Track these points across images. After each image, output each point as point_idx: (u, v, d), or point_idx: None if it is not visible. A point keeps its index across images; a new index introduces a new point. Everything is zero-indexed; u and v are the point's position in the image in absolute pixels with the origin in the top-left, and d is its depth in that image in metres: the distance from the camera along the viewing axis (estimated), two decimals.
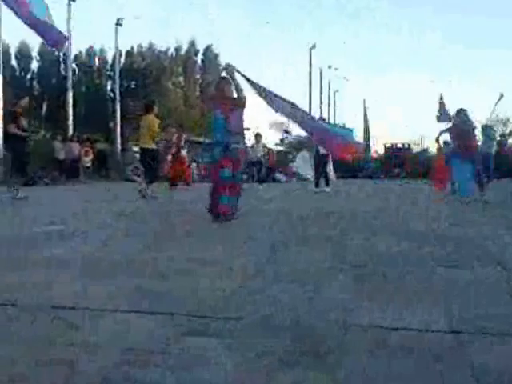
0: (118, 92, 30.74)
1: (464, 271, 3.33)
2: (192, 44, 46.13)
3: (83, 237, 5.03)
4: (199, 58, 46.88)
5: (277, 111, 6.82)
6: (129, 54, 43.12)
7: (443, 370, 1.70)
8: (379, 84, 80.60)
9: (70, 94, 26.62)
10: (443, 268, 3.41)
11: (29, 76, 43.84)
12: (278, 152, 35.52)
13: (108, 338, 2.02)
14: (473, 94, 64.56)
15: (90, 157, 23.33)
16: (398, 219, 6.70)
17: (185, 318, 2.25)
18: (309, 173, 17.70)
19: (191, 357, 1.82)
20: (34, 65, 43.93)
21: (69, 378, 1.65)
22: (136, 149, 26.53)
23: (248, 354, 1.84)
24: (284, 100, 6.82)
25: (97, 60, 42.67)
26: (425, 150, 35.81)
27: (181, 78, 45.99)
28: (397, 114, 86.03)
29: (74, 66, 37.76)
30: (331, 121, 40.57)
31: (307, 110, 6.84)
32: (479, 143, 11.78)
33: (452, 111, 11.52)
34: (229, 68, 6.41)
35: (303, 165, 23.31)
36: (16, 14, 7.74)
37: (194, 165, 23.82)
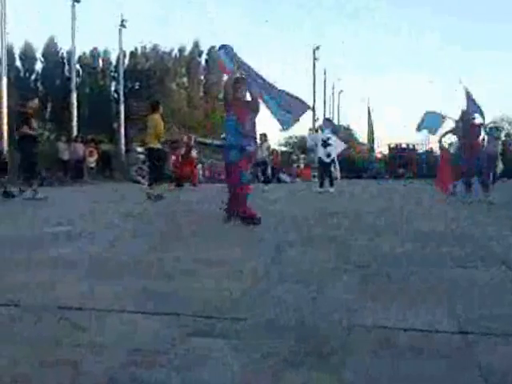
0: (121, 93, 30.80)
1: (468, 271, 3.33)
2: (196, 45, 46.15)
3: (90, 237, 5.06)
4: (203, 58, 46.86)
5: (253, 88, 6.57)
6: (133, 55, 43.19)
7: (450, 370, 1.71)
8: (378, 84, 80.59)
9: (74, 95, 26.68)
10: (447, 268, 3.41)
11: (33, 77, 43.94)
12: (283, 152, 35.52)
13: (114, 339, 2.03)
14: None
15: (95, 157, 23.37)
16: (401, 219, 6.69)
17: (190, 319, 2.26)
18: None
19: (197, 357, 1.83)
20: (38, 66, 44.01)
21: (74, 379, 1.66)
22: (140, 149, 26.59)
23: (253, 354, 1.84)
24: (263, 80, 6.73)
25: (101, 61, 42.70)
26: (429, 151, 35.72)
27: (184, 79, 46.03)
28: (397, 115, 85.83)
29: (77, 67, 37.85)
30: (335, 122, 40.57)
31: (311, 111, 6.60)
32: (484, 143, 11.75)
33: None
34: (238, 60, 6.40)
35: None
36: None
37: (200, 165, 23.83)
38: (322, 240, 4.78)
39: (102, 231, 5.62)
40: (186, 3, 64.81)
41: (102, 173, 24.23)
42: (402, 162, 33.65)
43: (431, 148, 33.35)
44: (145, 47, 44.06)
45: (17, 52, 42.38)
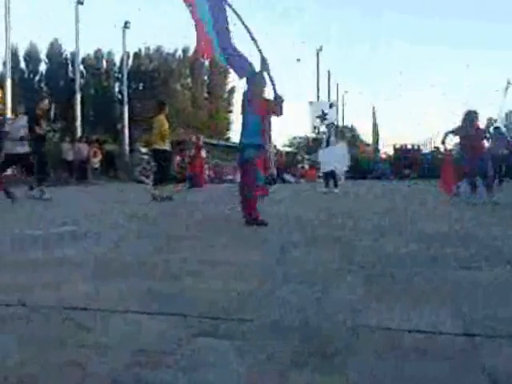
0: (125, 94, 30.87)
1: (473, 272, 3.32)
2: None
3: (95, 238, 5.07)
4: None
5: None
6: (136, 56, 43.30)
7: (454, 372, 1.71)
8: (381, 84, 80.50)
9: (78, 96, 26.75)
10: (452, 269, 3.40)
11: (37, 78, 44.09)
12: (287, 153, 35.52)
13: (119, 340, 2.03)
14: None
15: (99, 158, 23.41)
16: (405, 220, 6.69)
17: (196, 320, 2.26)
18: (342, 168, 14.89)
19: (202, 358, 1.83)
20: (43, 67, 44.18)
21: (79, 380, 1.66)
22: (144, 150, 26.63)
23: (259, 355, 1.84)
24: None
25: (104, 62, 42.77)
26: (434, 151, 35.65)
27: (188, 80, 46.08)
28: (402, 115, 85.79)
29: (81, 68, 37.94)
30: (340, 123, 40.55)
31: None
32: (488, 144, 11.72)
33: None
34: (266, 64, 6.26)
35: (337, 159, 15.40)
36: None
37: (206, 166, 23.86)
38: (326, 240, 4.78)
39: (107, 232, 5.63)
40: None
41: (106, 173, 24.28)
42: (408, 162, 33.57)
43: (436, 148, 33.29)
44: (148, 48, 44.18)
45: (21, 53, 42.57)
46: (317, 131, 33.65)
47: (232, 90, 48.26)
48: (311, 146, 33.97)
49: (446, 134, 11.49)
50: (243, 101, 6.18)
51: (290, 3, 76.84)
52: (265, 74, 6.18)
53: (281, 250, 4.24)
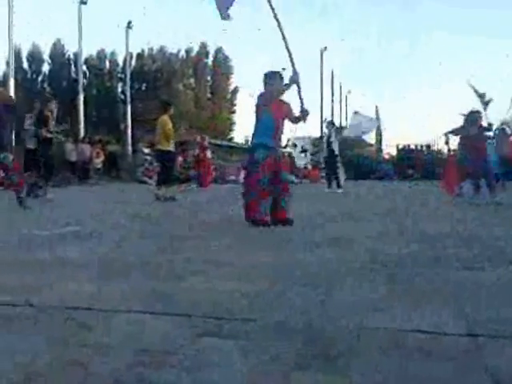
0: (128, 94, 30.91)
1: (476, 272, 3.31)
2: (203, 46, 46.23)
3: (98, 238, 5.09)
4: (210, 59, 46.96)
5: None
6: (139, 56, 43.37)
7: (457, 372, 1.70)
8: (385, 84, 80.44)
9: (81, 97, 26.79)
10: (454, 269, 3.39)
11: (40, 78, 44.18)
12: (290, 153, 35.53)
13: (122, 339, 2.03)
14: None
15: (101, 158, 23.46)
16: (407, 221, 6.66)
17: (200, 320, 2.26)
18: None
19: (206, 358, 1.83)
20: (45, 67, 44.29)
21: (82, 379, 1.66)
22: (147, 150, 26.65)
23: (263, 356, 1.84)
24: None
25: (107, 63, 42.86)
26: (438, 152, 35.63)
27: (191, 80, 46.13)
28: (406, 115, 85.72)
29: (84, 68, 38.01)
30: (343, 123, 40.52)
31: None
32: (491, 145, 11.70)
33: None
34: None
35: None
36: None
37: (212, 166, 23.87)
38: (328, 241, 4.77)
39: (110, 232, 5.64)
40: (191, 4, 65.03)
41: (109, 173, 24.32)
42: (411, 163, 33.57)
43: (440, 149, 33.28)
44: (152, 49, 44.23)
45: (24, 54, 42.66)
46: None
47: (235, 91, 48.34)
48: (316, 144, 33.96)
49: (446, 134, 11.49)
50: (258, 103, 6.10)
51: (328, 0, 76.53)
52: (294, 85, 6.13)
53: (284, 250, 4.24)
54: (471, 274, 3.25)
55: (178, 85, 43.00)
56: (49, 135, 10.87)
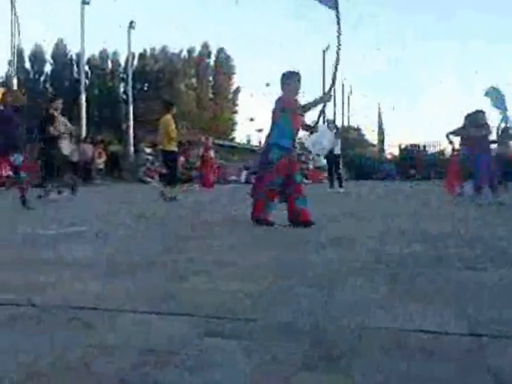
0: (130, 94, 30.89)
1: (478, 272, 3.30)
2: (205, 46, 46.21)
3: (103, 238, 5.10)
4: (212, 59, 46.93)
5: None
6: (141, 56, 43.35)
7: (460, 372, 1.70)
8: (388, 83, 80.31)
9: (83, 97, 26.79)
10: (456, 269, 3.39)
11: (42, 78, 44.23)
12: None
13: (126, 339, 2.04)
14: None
15: (103, 158, 23.46)
16: (409, 221, 6.66)
17: (204, 320, 2.27)
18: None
19: (210, 358, 1.83)
20: (48, 67, 44.32)
21: (87, 379, 1.67)
22: (148, 150, 26.66)
23: (266, 356, 1.85)
24: None
25: (110, 63, 42.85)
26: (440, 152, 35.59)
27: (193, 80, 46.09)
28: (409, 115, 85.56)
29: (86, 68, 38.02)
30: (345, 123, 40.48)
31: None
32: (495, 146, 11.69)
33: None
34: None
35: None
36: None
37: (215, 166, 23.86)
38: (330, 241, 4.77)
39: (114, 232, 5.66)
40: (193, 4, 65.03)
41: (111, 174, 24.33)
42: (413, 163, 33.52)
43: (442, 149, 33.23)
44: (154, 48, 44.20)
45: (26, 54, 42.69)
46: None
47: (237, 91, 48.33)
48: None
49: (447, 135, 11.48)
50: (276, 107, 6.04)
51: (365, 10, 76.61)
52: (321, 104, 6.27)
53: (287, 250, 4.24)
54: (473, 274, 3.25)
55: (179, 85, 42.99)
56: (55, 133, 10.89)
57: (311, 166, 31.26)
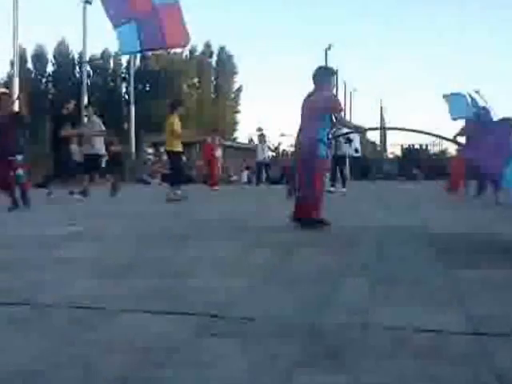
0: (132, 94, 30.87)
1: (481, 271, 3.28)
2: (207, 45, 46.22)
3: (102, 238, 5.09)
4: (214, 59, 46.93)
5: None
6: (143, 56, 43.32)
7: (464, 371, 1.68)
8: (390, 83, 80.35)
9: (85, 97, 26.78)
10: (459, 268, 3.36)
11: (44, 79, 44.31)
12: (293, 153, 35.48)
13: (124, 338, 2.03)
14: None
15: (105, 158, 23.44)
16: (411, 220, 6.63)
17: (201, 318, 2.26)
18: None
19: (207, 356, 1.82)
20: (50, 68, 44.39)
21: (85, 378, 1.66)
22: (150, 150, 26.65)
23: (264, 354, 1.83)
24: None
25: (112, 62, 42.88)
26: (443, 152, 35.57)
27: (195, 80, 46.09)
28: (411, 114, 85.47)
29: (88, 68, 38.06)
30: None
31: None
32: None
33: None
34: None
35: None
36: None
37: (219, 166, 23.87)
38: (331, 241, 4.75)
39: (114, 231, 5.66)
40: (194, 3, 65.09)
41: (113, 174, 24.31)
42: (415, 162, 33.43)
43: (444, 149, 33.20)
44: None
45: (29, 54, 42.77)
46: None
47: (239, 90, 48.37)
48: None
49: (455, 137, 11.43)
50: (327, 106, 5.77)
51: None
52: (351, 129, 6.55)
53: (288, 250, 4.22)
54: (477, 273, 3.22)
55: (181, 85, 43.03)
56: (67, 134, 10.96)
57: None
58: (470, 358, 1.78)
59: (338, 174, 14.90)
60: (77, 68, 42.03)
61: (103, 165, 12.83)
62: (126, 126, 31.31)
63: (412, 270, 3.35)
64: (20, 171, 8.70)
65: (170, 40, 8.36)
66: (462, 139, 11.61)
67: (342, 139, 13.46)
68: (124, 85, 42.80)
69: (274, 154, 24.96)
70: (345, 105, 44.16)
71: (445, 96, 13.54)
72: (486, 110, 10.54)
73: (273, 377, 1.65)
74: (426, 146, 36.43)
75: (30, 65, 43.14)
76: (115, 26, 8.38)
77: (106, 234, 5.41)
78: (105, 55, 42.51)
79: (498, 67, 77.93)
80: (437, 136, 7.64)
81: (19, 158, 8.59)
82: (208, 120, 40.47)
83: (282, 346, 1.91)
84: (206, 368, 1.72)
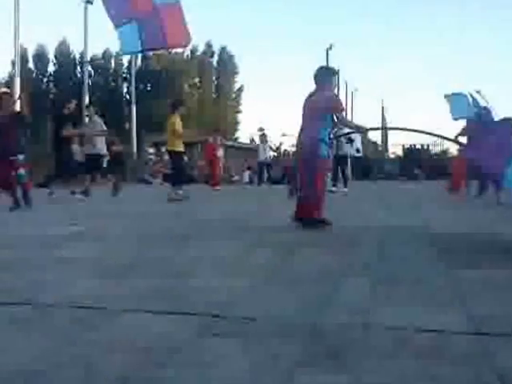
0: (133, 94, 30.85)
1: (483, 271, 3.27)
2: (208, 45, 46.18)
3: (104, 237, 5.10)
4: (215, 59, 46.89)
5: None
6: (144, 56, 43.30)
7: (466, 371, 1.68)
8: (392, 81, 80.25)
9: (86, 97, 26.79)
10: (460, 268, 3.36)
11: (45, 78, 44.32)
12: (294, 153, 35.43)
13: (125, 338, 2.03)
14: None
15: (106, 158, 23.44)
16: (412, 219, 6.62)
17: (203, 318, 2.26)
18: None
19: (209, 356, 1.82)
20: (51, 68, 44.40)
21: (86, 378, 1.66)
22: (151, 150, 26.63)
23: (265, 354, 1.83)
24: None
25: (113, 62, 42.85)
26: (444, 152, 35.49)
27: (196, 80, 46.06)
28: (412, 114, 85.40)
29: (90, 68, 38.06)
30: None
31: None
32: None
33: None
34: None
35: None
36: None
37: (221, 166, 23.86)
38: (332, 240, 4.75)
39: (115, 231, 5.67)
40: (195, 3, 65.02)
41: (114, 174, 24.31)
42: (416, 162, 33.37)
43: (446, 149, 33.14)
44: None
45: (30, 54, 42.78)
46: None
47: (240, 90, 48.34)
48: None
49: (456, 137, 11.41)
50: (328, 106, 5.76)
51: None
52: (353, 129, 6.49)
53: (290, 250, 4.22)
54: (478, 273, 3.22)
55: (182, 85, 43.01)
56: (68, 134, 10.99)
57: None
58: (472, 358, 1.78)
59: (340, 174, 14.91)
60: (78, 68, 42.02)
61: (104, 165, 12.77)
62: (127, 125, 31.30)
63: (413, 269, 3.35)
64: (22, 171, 8.72)
65: (171, 40, 8.39)
66: (463, 139, 11.64)
67: (343, 139, 13.46)
68: (125, 85, 42.77)
69: (275, 154, 24.97)
70: (346, 105, 44.17)
71: (446, 96, 13.58)
72: (487, 110, 10.54)
73: (274, 377, 1.65)
74: (428, 146, 36.35)
75: (31, 65, 43.14)
76: (116, 26, 8.41)
77: (107, 233, 5.41)
78: (106, 55, 42.52)
79: (499, 67, 77.73)
80: (438, 136, 7.66)
81: (21, 157, 8.61)
82: (209, 120, 40.43)
83: (284, 345, 1.91)
84: (207, 368, 1.72)
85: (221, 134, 20.14)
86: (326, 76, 5.95)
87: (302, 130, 5.93)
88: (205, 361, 1.78)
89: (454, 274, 3.20)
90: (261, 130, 24.03)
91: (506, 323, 2.15)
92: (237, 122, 49.15)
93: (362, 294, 2.68)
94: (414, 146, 35.97)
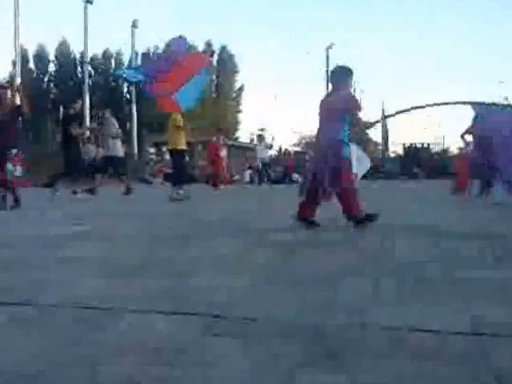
0: (134, 94, 30.87)
1: (481, 271, 3.28)
2: (208, 44, 46.16)
3: (108, 237, 5.11)
4: (215, 58, 46.87)
5: None
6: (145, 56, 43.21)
7: (464, 372, 1.69)
8: (392, 81, 80.00)
9: (87, 96, 26.81)
10: (460, 268, 3.36)
11: (46, 78, 44.32)
12: (295, 153, 35.42)
13: (129, 338, 2.04)
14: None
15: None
16: (416, 219, 6.62)
17: (206, 319, 2.27)
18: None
19: (213, 356, 1.83)
20: (51, 68, 44.40)
21: (91, 378, 1.67)
22: (152, 150, 26.63)
23: (267, 354, 1.84)
24: None
25: (113, 62, 42.82)
26: (445, 151, 35.48)
27: None
28: (417, 114, 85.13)
29: (90, 68, 38.05)
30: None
31: None
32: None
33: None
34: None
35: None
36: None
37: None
38: (333, 240, 4.76)
39: (120, 231, 5.68)
40: (195, 3, 64.96)
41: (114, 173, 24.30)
42: (418, 162, 33.35)
43: (446, 148, 33.10)
44: (157, 47, 44.16)
45: (30, 54, 42.79)
46: None
47: (241, 89, 48.31)
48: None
49: (462, 136, 11.39)
50: (347, 107, 5.71)
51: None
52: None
53: (291, 249, 4.22)
54: (477, 273, 3.22)
55: None
56: (75, 133, 11.05)
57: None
58: (469, 358, 1.79)
59: None
60: (78, 68, 42.03)
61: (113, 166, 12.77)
62: (128, 125, 31.30)
63: (413, 269, 3.35)
64: (9, 165, 8.70)
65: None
66: (469, 137, 11.63)
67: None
68: (125, 84, 42.77)
69: (272, 152, 24.95)
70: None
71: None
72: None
73: (275, 377, 1.66)
74: (428, 144, 36.34)
75: (31, 65, 43.15)
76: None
77: (107, 233, 5.42)
78: (106, 55, 42.53)
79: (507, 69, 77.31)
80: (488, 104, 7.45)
81: (13, 151, 8.59)
82: (209, 120, 40.40)
83: (284, 346, 1.92)
84: (211, 368, 1.73)
85: (223, 133, 20.13)
86: (340, 75, 5.88)
87: (319, 131, 5.91)
88: (209, 361, 1.79)
89: (453, 273, 3.21)
90: (262, 130, 24.06)
91: (503, 323, 2.16)
92: (237, 122, 49.13)
93: (364, 294, 2.69)
94: (415, 144, 35.94)
